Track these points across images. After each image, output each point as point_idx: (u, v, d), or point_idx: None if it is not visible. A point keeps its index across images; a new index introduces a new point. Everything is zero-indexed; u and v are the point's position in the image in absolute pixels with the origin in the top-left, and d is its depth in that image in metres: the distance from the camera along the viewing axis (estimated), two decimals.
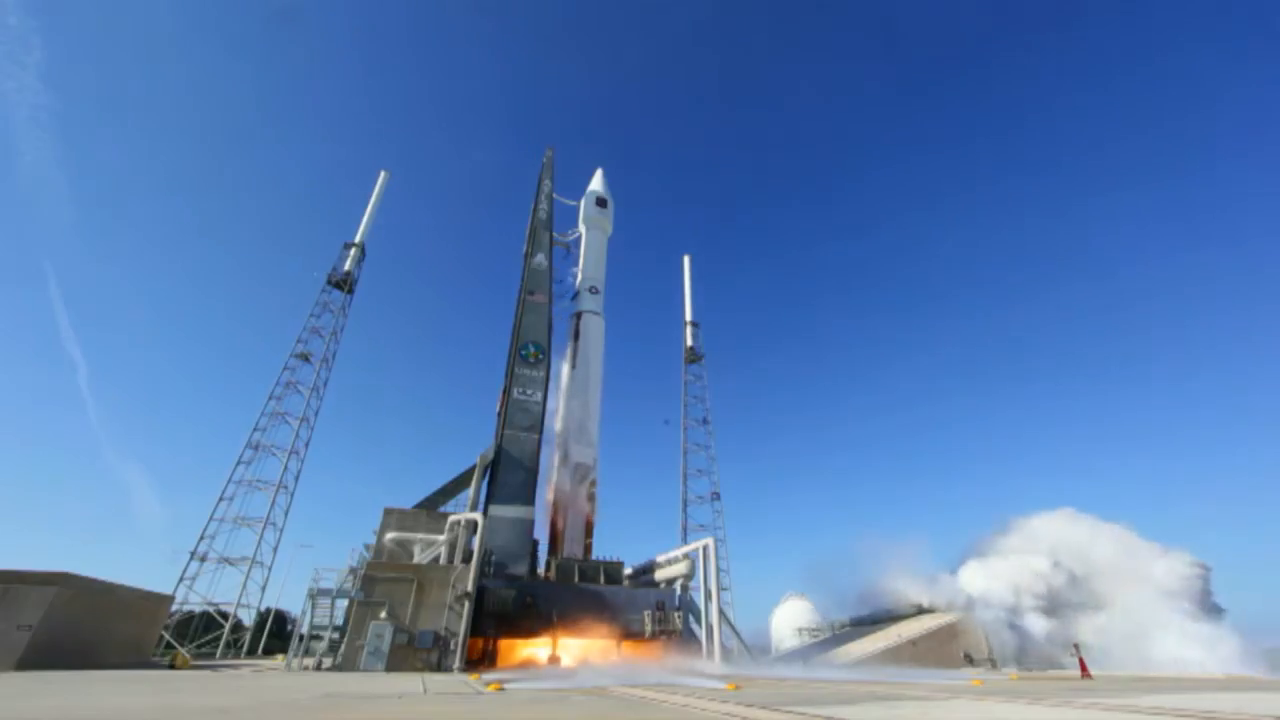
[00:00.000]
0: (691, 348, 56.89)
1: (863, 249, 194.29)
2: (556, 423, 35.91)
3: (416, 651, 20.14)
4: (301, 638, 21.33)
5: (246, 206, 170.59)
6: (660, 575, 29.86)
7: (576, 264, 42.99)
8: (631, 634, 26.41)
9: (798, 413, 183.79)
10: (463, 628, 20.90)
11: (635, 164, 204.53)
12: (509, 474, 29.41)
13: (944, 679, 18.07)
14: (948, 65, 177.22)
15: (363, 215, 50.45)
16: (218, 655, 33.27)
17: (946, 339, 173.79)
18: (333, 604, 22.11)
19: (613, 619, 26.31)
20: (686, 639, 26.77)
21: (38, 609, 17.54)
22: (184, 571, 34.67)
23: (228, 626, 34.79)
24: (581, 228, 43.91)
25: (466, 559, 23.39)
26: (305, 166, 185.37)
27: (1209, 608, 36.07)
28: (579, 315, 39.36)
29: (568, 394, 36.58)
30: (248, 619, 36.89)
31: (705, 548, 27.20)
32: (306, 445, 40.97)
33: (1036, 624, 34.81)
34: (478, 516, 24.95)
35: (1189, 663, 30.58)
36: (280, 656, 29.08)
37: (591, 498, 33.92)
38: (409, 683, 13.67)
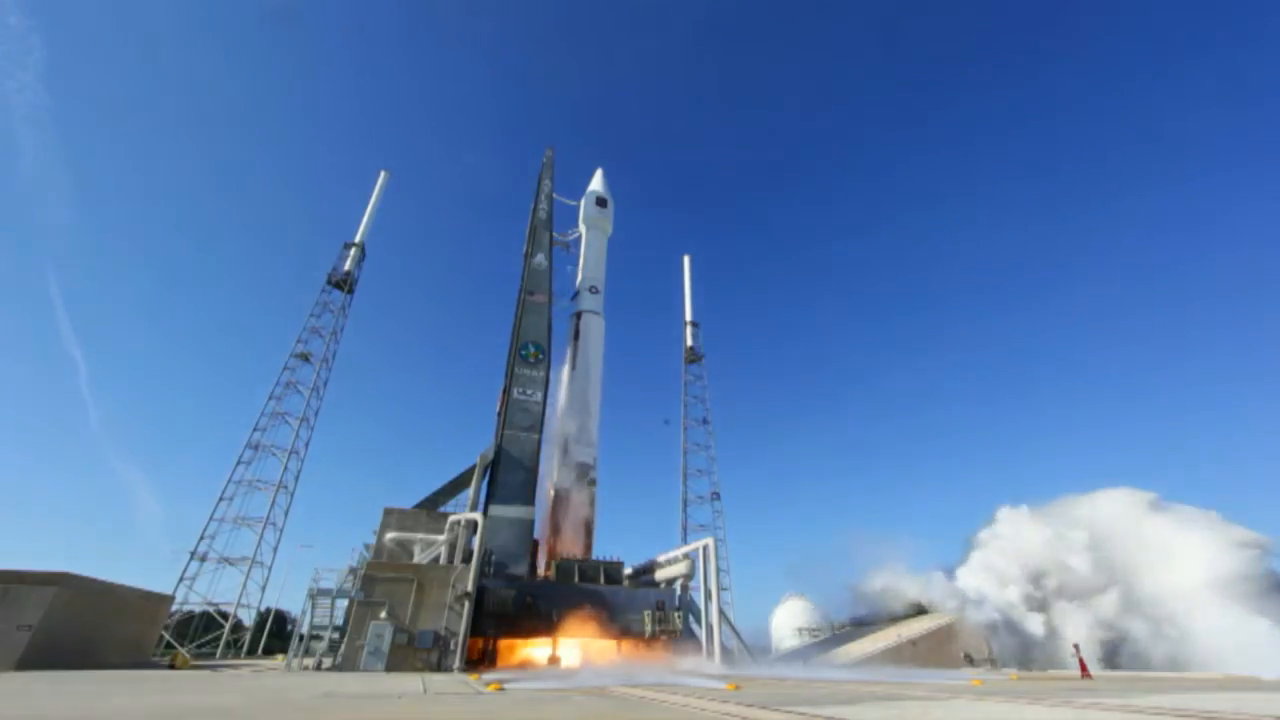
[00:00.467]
0: (691, 348, 56.90)
1: (864, 249, 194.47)
2: (557, 422, 36.01)
3: (416, 651, 20.14)
4: (301, 638, 21.33)
5: (247, 206, 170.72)
6: (660, 575, 29.86)
7: (576, 263, 43.11)
8: (631, 634, 26.42)
9: (798, 413, 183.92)
10: (463, 628, 20.90)
11: (635, 164, 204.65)
12: (509, 474, 29.43)
13: (944, 679, 18.07)
14: (949, 66, 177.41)
15: (363, 215, 50.50)
16: (218, 655, 33.27)
17: (948, 339, 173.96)
18: (333, 604, 22.12)
19: (613, 619, 26.31)
20: (686, 639, 26.77)
21: (38, 609, 17.55)
22: (184, 571, 34.69)
23: (228, 626, 34.79)
24: (581, 227, 43.99)
25: (466, 559, 23.39)
26: (305, 167, 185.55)
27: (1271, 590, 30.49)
28: (579, 315, 39.44)
29: (568, 393, 36.65)
30: (248, 619, 36.90)
31: (705, 548, 27.20)
32: (306, 445, 41.02)
33: (1036, 622, 34.80)
34: (478, 516, 24.95)
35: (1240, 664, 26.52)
36: (280, 656, 29.09)
37: (591, 497, 33.97)
38: (409, 683, 13.67)
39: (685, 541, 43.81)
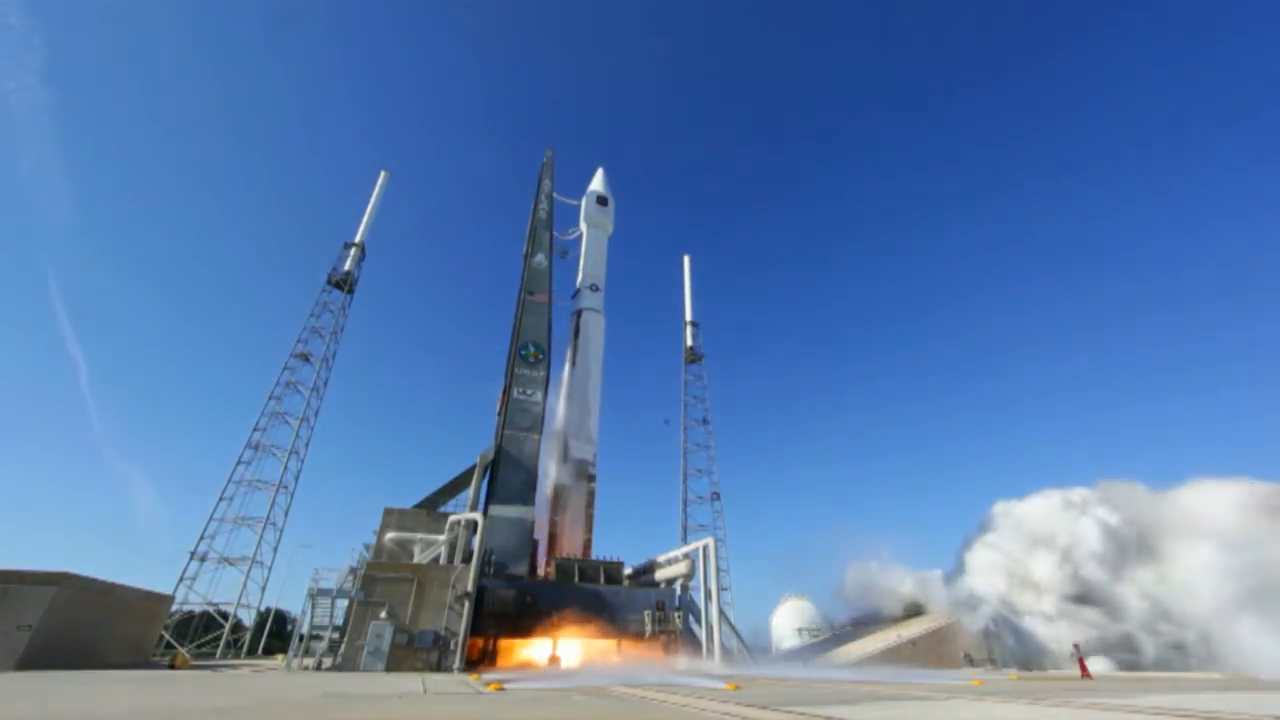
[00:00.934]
0: (691, 348, 56.90)
1: (864, 249, 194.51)
2: (557, 419, 36.13)
3: (416, 651, 20.14)
4: (301, 638, 21.33)
5: (247, 206, 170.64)
6: (660, 575, 29.87)
7: (576, 263, 43.22)
8: (631, 634, 26.42)
9: (799, 412, 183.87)
10: (463, 628, 20.90)
11: (635, 164, 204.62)
12: (509, 474, 29.43)
13: (944, 679, 18.08)
14: (950, 66, 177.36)
15: (363, 215, 50.50)
16: (218, 655, 33.27)
17: (948, 339, 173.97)
18: (333, 604, 22.11)
19: (613, 619, 26.31)
20: (686, 639, 26.78)
21: (38, 609, 17.54)
22: (184, 571, 34.68)
23: (228, 626, 34.78)
24: (582, 226, 44.09)
25: (466, 559, 23.39)
26: (305, 166, 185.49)
27: None
28: (579, 313, 39.56)
29: (568, 391, 36.78)
30: (248, 619, 36.88)
31: (705, 548, 27.20)
32: (306, 445, 41.00)
33: (1037, 621, 34.81)
34: (478, 516, 24.95)
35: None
36: (280, 656, 29.08)
37: (591, 493, 34.02)
38: (409, 683, 13.67)
39: (685, 541, 43.82)
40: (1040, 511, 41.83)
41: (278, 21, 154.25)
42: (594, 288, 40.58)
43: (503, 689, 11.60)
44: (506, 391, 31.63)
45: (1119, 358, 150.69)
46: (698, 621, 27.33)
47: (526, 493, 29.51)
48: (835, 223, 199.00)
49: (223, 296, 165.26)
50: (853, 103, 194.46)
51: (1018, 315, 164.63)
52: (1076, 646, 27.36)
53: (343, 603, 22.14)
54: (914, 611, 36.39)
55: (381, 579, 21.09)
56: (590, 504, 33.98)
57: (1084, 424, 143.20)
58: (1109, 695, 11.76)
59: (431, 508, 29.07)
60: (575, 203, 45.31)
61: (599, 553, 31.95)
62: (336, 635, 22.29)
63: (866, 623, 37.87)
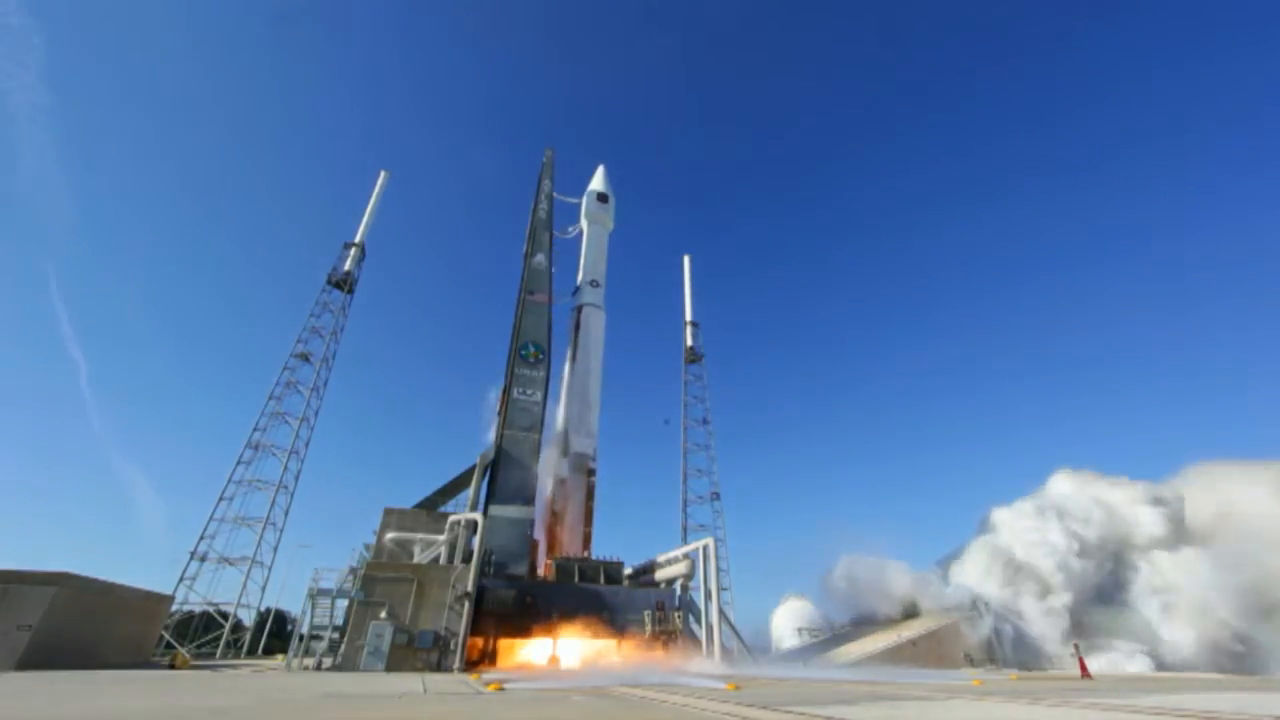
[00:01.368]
0: (691, 348, 56.90)
1: (864, 249, 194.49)
2: (558, 413, 36.39)
3: (416, 651, 20.14)
4: (301, 638, 21.33)
5: (246, 206, 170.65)
6: (660, 575, 29.87)
7: (577, 259, 43.45)
8: (631, 634, 26.42)
9: (799, 412, 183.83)
10: (463, 628, 20.90)
11: (636, 164, 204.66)
12: (509, 474, 29.43)
13: (944, 679, 18.08)
14: (952, 66, 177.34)
15: (363, 215, 50.49)
16: (218, 655, 33.27)
17: (949, 339, 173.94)
18: (333, 604, 22.11)
19: (613, 619, 26.31)
20: (686, 639, 26.77)
21: (38, 609, 17.54)
22: (184, 571, 34.67)
23: (228, 626, 34.78)
24: (583, 222, 44.22)
25: (466, 559, 23.38)
26: (305, 166, 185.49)
27: None
28: (580, 308, 39.73)
29: (569, 385, 37.05)
30: (248, 619, 36.87)
31: (705, 548, 27.19)
32: (306, 445, 41.00)
33: (1038, 618, 34.80)
34: (478, 516, 24.95)
35: None
36: (280, 656, 29.08)
37: (591, 487, 34.09)
38: (409, 683, 13.67)
39: (685, 541, 43.82)
40: (1040, 508, 41.88)
41: (277, 21, 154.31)
42: (594, 283, 40.78)
43: (503, 689, 11.59)
44: (506, 391, 31.63)
45: (1119, 358, 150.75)
46: (698, 621, 27.33)
47: (526, 493, 29.51)
48: (835, 222, 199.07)
49: (223, 296, 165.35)
50: (853, 102, 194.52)
51: (1019, 315, 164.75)
52: (1076, 646, 27.37)
53: (343, 603, 22.13)
54: (913, 612, 36.38)
55: (381, 579, 21.08)
56: (590, 497, 34.11)
57: (1084, 424, 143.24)
58: (1109, 695, 11.77)
59: (431, 508, 29.07)
60: (575, 201, 45.42)
61: (599, 553, 31.95)
62: (336, 635, 22.29)
63: (866, 623, 37.87)
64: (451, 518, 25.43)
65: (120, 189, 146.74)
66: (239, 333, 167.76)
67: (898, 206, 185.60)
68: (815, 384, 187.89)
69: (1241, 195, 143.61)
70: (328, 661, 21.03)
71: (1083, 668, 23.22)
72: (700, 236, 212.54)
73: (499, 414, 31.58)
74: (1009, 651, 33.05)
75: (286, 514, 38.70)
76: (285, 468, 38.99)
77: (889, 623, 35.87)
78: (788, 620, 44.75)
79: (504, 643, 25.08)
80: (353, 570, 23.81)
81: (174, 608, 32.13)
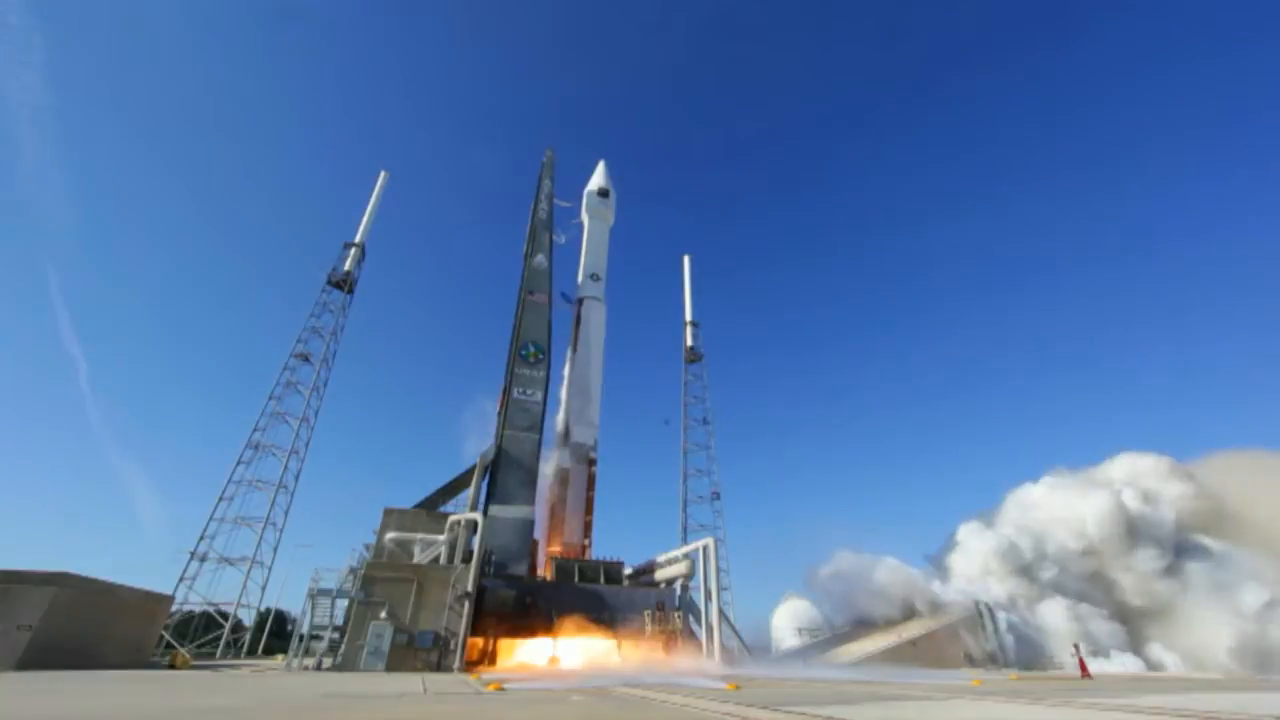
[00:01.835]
0: (691, 347, 56.89)
1: (864, 249, 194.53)
2: (559, 404, 36.72)
3: (416, 651, 20.13)
4: (301, 638, 21.32)
5: (247, 206, 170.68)
6: (660, 575, 29.87)
7: (577, 254, 43.70)
8: (631, 634, 26.42)
9: (799, 412, 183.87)
10: (463, 628, 20.89)
11: (636, 164, 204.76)
12: (509, 474, 29.42)
13: (944, 679, 18.07)
14: (952, 65, 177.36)
15: (363, 215, 50.48)
16: (218, 655, 33.26)
17: (948, 338, 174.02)
18: (333, 604, 22.10)
19: (613, 619, 26.31)
20: (686, 639, 26.77)
21: (38, 609, 17.53)
22: (184, 571, 34.66)
23: (228, 626, 34.77)
24: (584, 217, 44.36)
25: (466, 559, 23.37)
26: (305, 166, 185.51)
27: None
28: (581, 301, 39.86)
29: (570, 377, 37.29)
30: (248, 619, 36.88)
31: (705, 548, 27.19)
32: (306, 445, 40.99)
33: (1043, 617, 34.82)
34: (478, 516, 24.94)
35: None
36: (280, 656, 29.07)
37: (591, 477, 34.18)
38: (409, 683, 13.66)
39: (685, 541, 43.83)
40: (1041, 506, 41.94)
41: (277, 22, 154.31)
42: (595, 277, 41.03)
43: (503, 689, 11.59)
44: (506, 391, 31.63)
45: (1118, 359, 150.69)
46: (698, 621, 27.32)
47: (526, 493, 29.51)
48: (835, 222, 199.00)
49: (223, 296, 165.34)
50: (854, 101, 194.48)
51: (1020, 315, 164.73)
52: (1076, 646, 27.36)
53: (343, 603, 22.12)
54: (913, 612, 36.36)
55: (381, 579, 21.07)
56: (591, 486, 34.29)
57: (1085, 425, 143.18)
58: (1109, 695, 11.76)
59: (431, 508, 29.05)
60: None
61: (599, 553, 32.00)
62: (336, 635, 22.28)
63: (866, 623, 37.87)
64: (451, 518, 25.42)
65: (120, 189, 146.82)
66: (239, 333, 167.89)
67: (898, 206, 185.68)
68: (817, 382, 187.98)
69: (1240, 195, 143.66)
70: (328, 661, 21.02)
71: (1083, 668, 23.22)
72: (700, 236, 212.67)
73: (499, 414, 31.58)
74: (1009, 651, 33.04)
75: (286, 514, 38.72)
76: (285, 468, 39.00)
77: (889, 623, 35.86)
78: (788, 620, 44.72)
79: (504, 643, 25.08)
80: (353, 570, 23.80)
81: (174, 608, 32.11)
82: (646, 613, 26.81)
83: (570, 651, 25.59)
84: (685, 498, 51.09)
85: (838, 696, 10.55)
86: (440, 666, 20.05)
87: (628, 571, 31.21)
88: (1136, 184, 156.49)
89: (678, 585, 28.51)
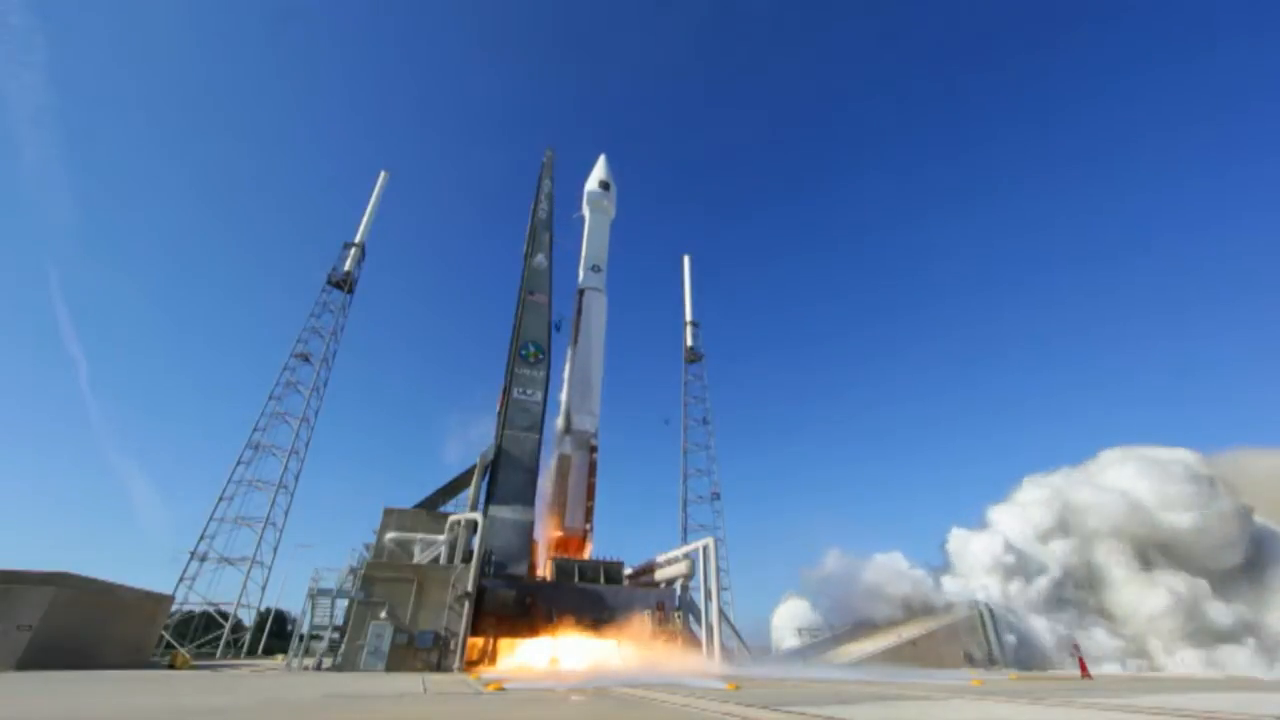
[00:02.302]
0: (691, 347, 56.90)
1: (863, 246, 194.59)
2: (561, 393, 36.86)
3: (416, 651, 20.13)
4: (301, 638, 21.32)
5: (247, 206, 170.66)
6: (660, 575, 29.86)
7: (579, 247, 43.78)
8: (631, 634, 26.41)
9: (799, 411, 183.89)
10: (463, 628, 20.89)
11: (635, 164, 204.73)
12: (509, 474, 29.41)
13: (944, 679, 18.07)
14: (953, 64, 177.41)
15: (362, 215, 50.49)
16: (218, 655, 33.27)
17: (948, 338, 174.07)
18: (333, 604, 22.10)
19: (613, 619, 26.30)
20: (686, 639, 26.77)
21: (37, 609, 17.52)
22: (184, 571, 34.66)
23: (228, 626, 34.77)
24: (585, 210, 44.45)
25: (466, 559, 23.37)
26: (305, 166, 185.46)
27: None
28: (582, 292, 40.06)
29: (571, 367, 37.46)
30: (248, 619, 36.88)
31: (705, 548, 27.18)
32: (306, 445, 41.01)
33: (1039, 620, 34.79)
34: (478, 516, 24.94)
35: None
36: (280, 656, 29.08)
37: (593, 464, 34.29)
38: (409, 683, 13.66)
39: (685, 541, 43.82)
40: (1040, 505, 41.93)
41: (278, 21, 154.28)
42: (596, 268, 41.20)
43: (503, 689, 11.59)
44: (506, 391, 31.62)
45: (1119, 359, 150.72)
46: (698, 621, 27.31)
47: (527, 493, 29.51)
48: (835, 222, 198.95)
49: (223, 296, 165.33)
50: (854, 100, 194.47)
51: (1020, 313, 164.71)
52: (1076, 646, 27.37)
53: (343, 603, 22.12)
54: (913, 612, 36.36)
55: (381, 579, 21.07)
56: (592, 473, 34.33)
57: (1085, 427, 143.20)
58: (1109, 695, 11.76)
59: (431, 508, 29.03)
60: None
61: (599, 553, 31.97)
62: (336, 635, 22.28)
63: (866, 623, 37.87)
64: (451, 518, 25.42)
65: (121, 188, 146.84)
66: (239, 332, 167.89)
67: (897, 204, 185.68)
68: (817, 382, 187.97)
69: (1240, 195, 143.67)
70: (328, 661, 21.01)
71: (1083, 668, 23.22)
72: (700, 236, 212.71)
73: (499, 414, 31.58)
74: (1009, 651, 33.03)
75: (286, 514, 38.74)
76: (285, 468, 39.02)
77: (889, 623, 35.86)
78: (788, 620, 44.76)
79: (504, 643, 25.08)
80: (353, 570, 23.80)
81: (174, 608, 32.11)
82: (646, 613, 26.79)
83: (570, 651, 25.58)
84: (685, 497, 51.12)
85: (837, 696, 10.54)
86: (440, 666, 20.04)
87: (628, 571, 31.19)
88: (1133, 180, 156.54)
89: (678, 585, 28.50)
